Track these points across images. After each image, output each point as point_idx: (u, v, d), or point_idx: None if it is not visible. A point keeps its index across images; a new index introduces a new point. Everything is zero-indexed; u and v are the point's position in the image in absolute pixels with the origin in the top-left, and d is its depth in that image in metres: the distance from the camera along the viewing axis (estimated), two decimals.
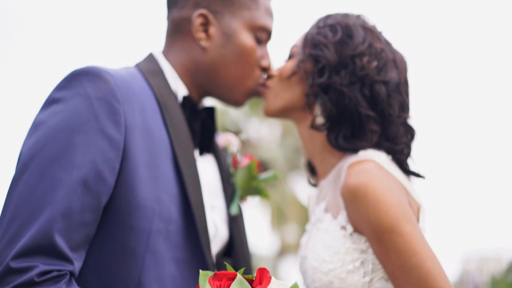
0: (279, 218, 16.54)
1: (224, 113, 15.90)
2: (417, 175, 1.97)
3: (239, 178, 2.04)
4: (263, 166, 2.21)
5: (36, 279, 1.49)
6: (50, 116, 1.65)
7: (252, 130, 16.75)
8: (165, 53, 1.99)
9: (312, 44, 1.95)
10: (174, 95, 1.90)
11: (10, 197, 1.58)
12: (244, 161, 2.07)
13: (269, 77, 2.05)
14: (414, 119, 2.00)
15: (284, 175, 16.11)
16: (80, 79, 1.68)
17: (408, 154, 1.96)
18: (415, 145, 2.00)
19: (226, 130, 15.23)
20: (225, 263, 1.50)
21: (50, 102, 1.68)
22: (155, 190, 1.71)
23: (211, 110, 2.01)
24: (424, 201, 1.90)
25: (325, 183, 1.97)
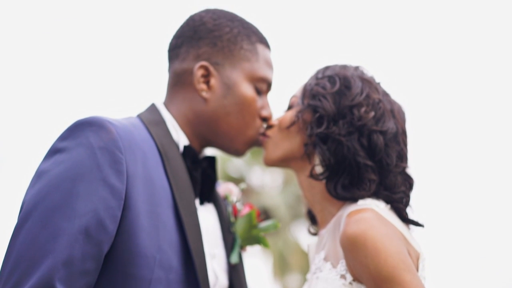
0: (281, 266, 16.38)
1: (227, 160, 15.91)
2: (416, 223, 1.97)
3: (239, 227, 2.05)
4: (265, 213, 2.23)
5: None
6: (53, 165, 1.67)
7: (255, 178, 16.72)
8: (167, 103, 2.03)
9: (311, 94, 1.98)
10: (175, 145, 1.93)
11: (12, 245, 1.60)
12: (244, 210, 2.09)
13: (269, 127, 2.08)
14: (413, 169, 2.02)
15: (287, 223, 16.02)
16: (83, 129, 1.71)
17: (406, 203, 1.97)
18: (414, 194, 2.02)
19: (229, 177, 15.21)
20: None
21: (53, 151, 1.71)
22: (156, 239, 1.72)
23: (212, 160, 2.03)
24: (424, 249, 1.91)
25: (324, 232, 1.98)
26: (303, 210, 2.19)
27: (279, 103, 2.17)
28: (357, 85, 1.95)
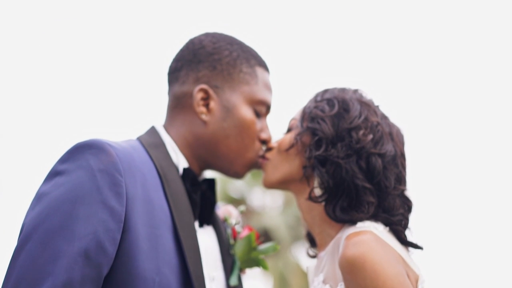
0: (282, 287, 16.30)
1: (227, 181, 15.90)
2: (415, 246, 1.97)
3: (238, 249, 2.05)
4: (266, 234, 2.23)
5: None
6: (53, 188, 1.68)
7: (256, 199, 16.71)
8: (166, 126, 2.04)
9: (310, 117, 2.00)
10: (175, 167, 1.94)
11: (12, 267, 1.60)
12: (243, 232, 2.09)
13: (268, 149, 2.09)
14: (411, 191, 2.02)
15: (287, 244, 15.97)
16: (83, 152, 1.72)
17: (405, 226, 1.97)
18: (413, 216, 2.02)
19: (230, 198, 15.20)
20: None
21: (54, 174, 1.72)
22: (155, 261, 1.73)
23: (211, 182, 2.04)
24: (423, 271, 1.91)
25: (323, 254, 1.98)
26: (304, 231, 2.19)
27: (278, 126, 2.19)
28: (355, 108, 1.96)
